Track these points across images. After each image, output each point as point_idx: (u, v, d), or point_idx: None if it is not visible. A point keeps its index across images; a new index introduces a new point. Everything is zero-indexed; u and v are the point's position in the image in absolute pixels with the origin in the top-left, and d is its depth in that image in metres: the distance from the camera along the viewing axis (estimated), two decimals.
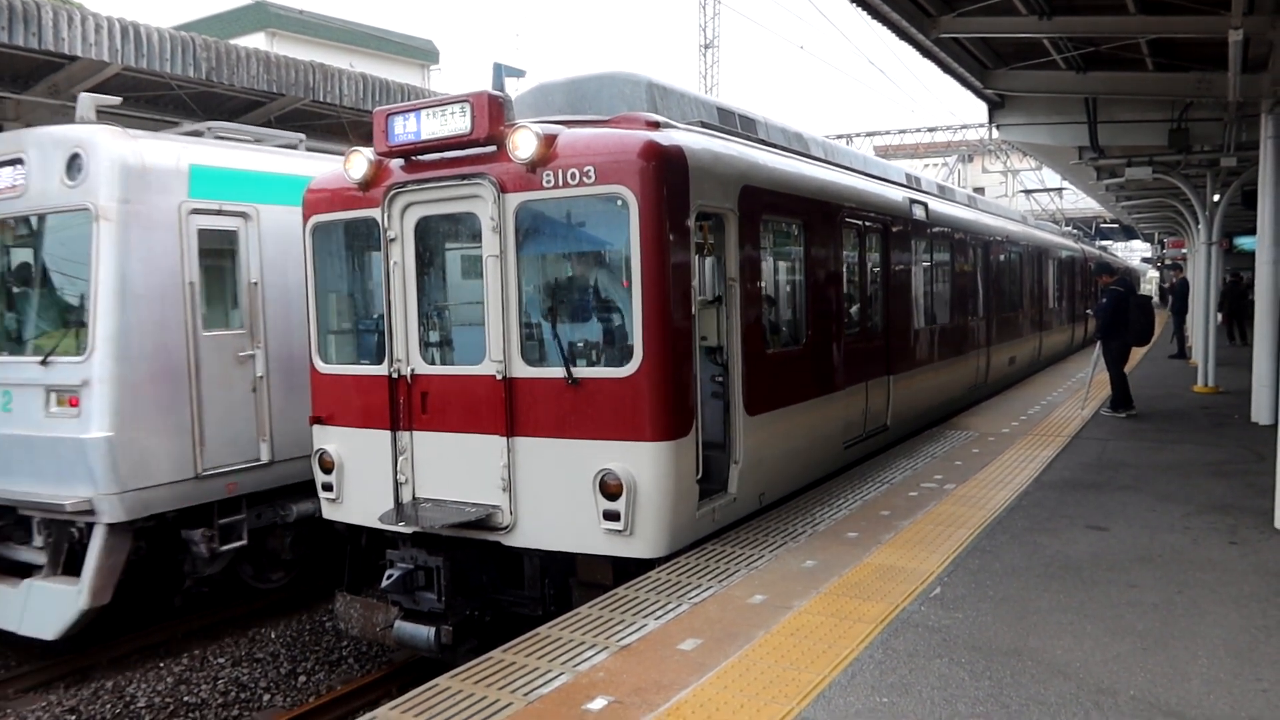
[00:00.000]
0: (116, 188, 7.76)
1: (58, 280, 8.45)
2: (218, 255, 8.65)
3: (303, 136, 10.30)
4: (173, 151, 8.31)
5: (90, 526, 7.81)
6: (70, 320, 8.20)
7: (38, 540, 8.18)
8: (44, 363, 7.90)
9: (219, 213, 8.47)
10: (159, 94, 13.17)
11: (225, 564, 8.85)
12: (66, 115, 12.87)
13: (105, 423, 7.62)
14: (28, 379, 8.00)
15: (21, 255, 8.64)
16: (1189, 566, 6.10)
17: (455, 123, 6.54)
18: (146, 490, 7.85)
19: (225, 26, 38.11)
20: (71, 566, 8.04)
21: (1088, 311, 24.46)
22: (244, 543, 8.70)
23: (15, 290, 8.65)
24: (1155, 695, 4.27)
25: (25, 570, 8.29)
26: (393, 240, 7.02)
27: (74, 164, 7.88)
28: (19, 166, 8.21)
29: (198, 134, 9.18)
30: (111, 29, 11.40)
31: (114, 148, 7.87)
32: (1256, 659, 4.64)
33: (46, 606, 7.92)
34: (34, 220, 8.36)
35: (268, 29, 40.04)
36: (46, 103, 12.42)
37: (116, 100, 8.97)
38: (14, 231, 8.57)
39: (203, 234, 8.35)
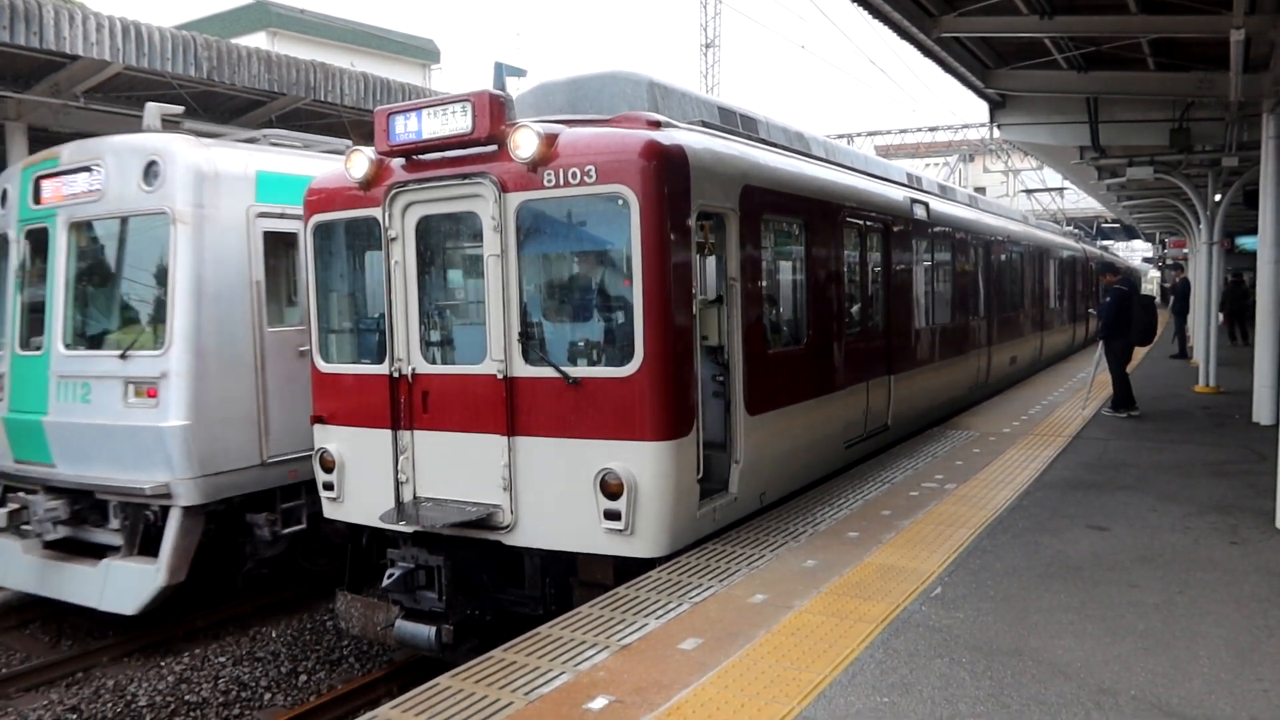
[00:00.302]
0: (191, 193, 8.22)
1: (133, 279, 8.86)
2: (279, 255, 9.07)
3: (349, 142, 10.50)
4: (241, 158, 8.73)
5: (165, 510, 8.24)
6: (147, 316, 8.68)
7: (114, 523, 8.57)
8: (123, 357, 8.32)
9: (282, 216, 8.83)
10: (160, 93, 13.18)
11: (284, 547, 9.13)
12: (68, 115, 12.93)
13: (182, 412, 8.07)
14: (106, 371, 8.40)
15: (97, 256, 9.08)
16: (1190, 566, 6.10)
17: (456, 122, 6.54)
18: (219, 475, 8.31)
19: (226, 26, 38.09)
20: (146, 547, 8.44)
21: (1090, 311, 24.46)
22: (304, 526, 9.01)
23: (91, 289, 9.06)
24: (1156, 695, 4.27)
25: (98, 551, 8.67)
26: (394, 239, 7.02)
27: (151, 170, 8.30)
28: (96, 172, 8.62)
29: (253, 140, 9.54)
30: (113, 28, 11.43)
31: (189, 155, 8.33)
32: (1258, 659, 4.64)
33: (126, 584, 8.31)
34: (110, 223, 8.74)
35: (268, 28, 40.02)
36: (48, 102, 12.44)
37: (179, 109, 9.62)
38: (88, 234, 8.95)
39: (267, 236, 8.74)
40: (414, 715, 4.31)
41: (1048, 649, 4.80)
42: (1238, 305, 23.46)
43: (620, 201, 6.18)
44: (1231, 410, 12.77)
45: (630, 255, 6.22)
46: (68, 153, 8.97)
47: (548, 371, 6.47)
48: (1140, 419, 12.27)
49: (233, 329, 8.41)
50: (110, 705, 7.66)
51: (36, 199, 9.04)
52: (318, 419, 7.62)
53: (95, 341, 8.85)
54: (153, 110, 9.12)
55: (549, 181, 6.35)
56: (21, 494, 8.96)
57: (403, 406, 7.05)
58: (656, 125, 6.52)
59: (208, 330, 8.24)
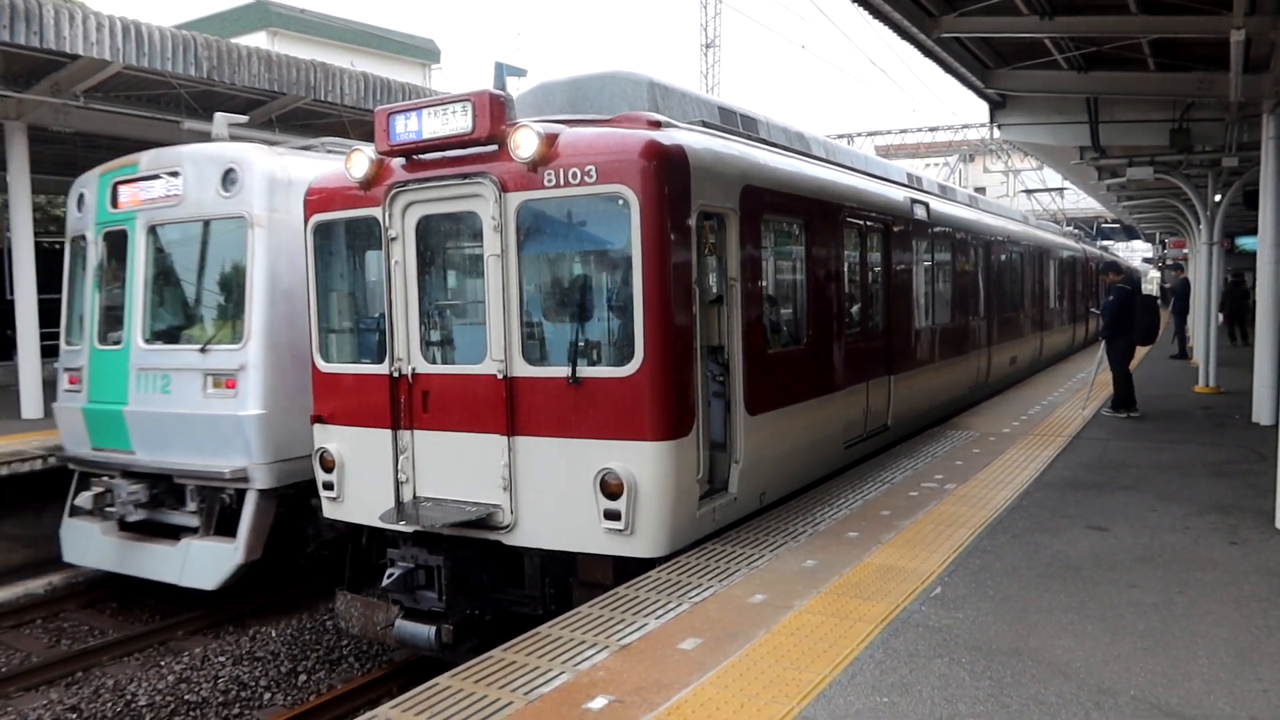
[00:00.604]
0: (267, 198, 8.78)
1: (211, 278, 9.44)
2: None
3: None
4: (311, 166, 9.16)
5: (241, 493, 8.81)
6: (224, 313, 9.26)
7: (190, 505, 9.10)
8: (202, 350, 8.92)
9: None
10: (160, 93, 13.19)
11: (344, 529, 9.33)
12: (68, 114, 12.91)
13: (259, 402, 8.64)
14: (186, 364, 9.00)
15: (175, 257, 9.66)
16: (1190, 566, 6.10)
17: (457, 122, 6.54)
18: (290, 461, 8.82)
19: (226, 25, 38.09)
20: (221, 528, 8.96)
21: (1092, 310, 24.45)
22: None
23: (168, 287, 9.66)
24: (1155, 695, 4.27)
25: (172, 532, 9.21)
26: (394, 239, 7.02)
27: (229, 177, 8.89)
28: (175, 179, 9.19)
29: (309, 148, 10.00)
30: (113, 28, 11.41)
31: (265, 164, 8.93)
32: (1257, 659, 4.64)
33: (205, 562, 8.86)
34: (189, 226, 9.30)
35: (269, 28, 40.03)
36: (48, 101, 12.44)
37: (244, 118, 10.54)
38: (167, 236, 9.50)
39: None
40: (414, 715, 4.31)
41: (1047, 649, 4.80)
42: (1238, 306, 23.44)
43: (620, 201, 6.19)
44: (1231, 410, 12.77)
45: (630, 255, 6.21)
46: (146, 160, 9.52)
47: (548, 371, 6.47)
48: (1140, 419, 12.26)
49: (304, 325, 8.78)
50: (110, 705, 7.66)
51: (114, 203, 9.61)
52: (317, 419, 7.61)
53: (172, 336, 9.43)
54: (221, 120, 9.87)
55: (549, 181, 6.35)
56: (104, 479, 9.40)
57: (403, 406, 7.05)
58: (657, 125, 6.51)
59: (281, 326, 8.76)
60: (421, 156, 6.91)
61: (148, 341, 9.29)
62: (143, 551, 9.24)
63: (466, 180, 6.66)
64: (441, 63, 47.91)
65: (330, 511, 7.68)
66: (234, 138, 9.86)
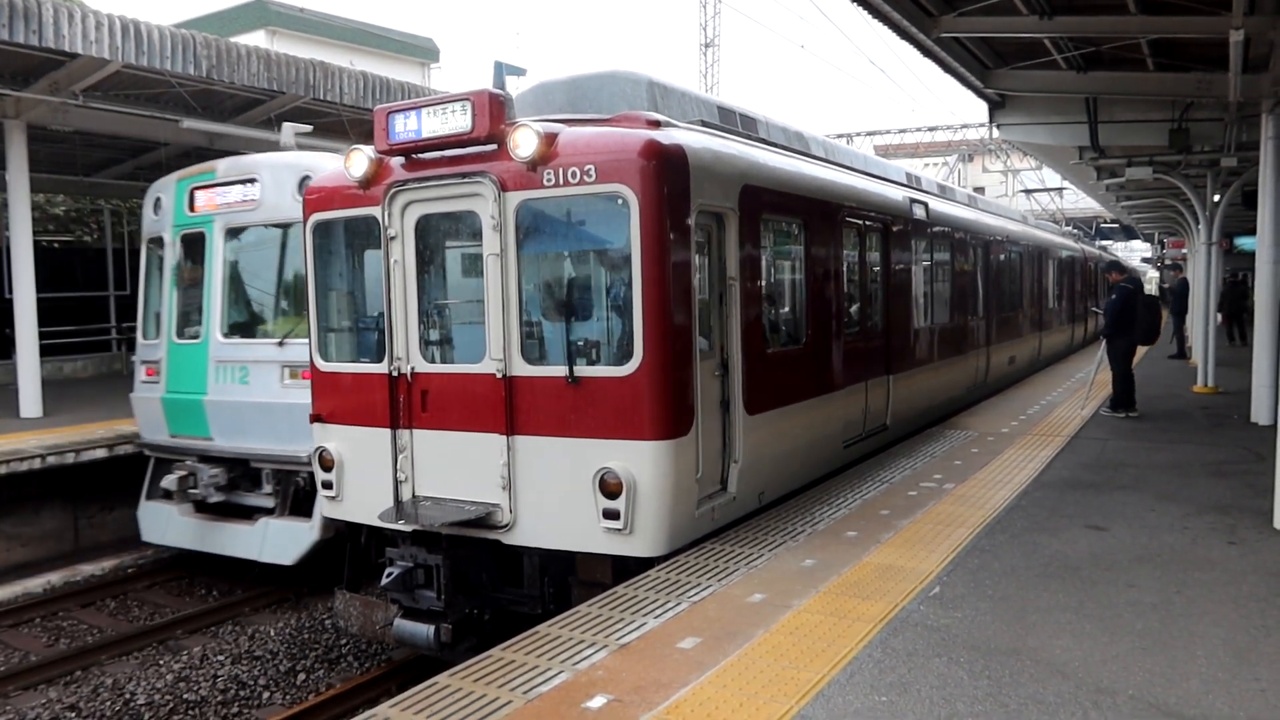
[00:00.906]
0: None
1: (288, 277, 9.95)
2: None
3: None
4: None
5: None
6: (299, 309, 9.57)
7: (266, 488, 9.72)
8: (280, 344, 9.50)
9: None
10: (159, 92, 13.19)
11: None
12: (67, 113, 12.91)
13: None
14: (264, 357, 9.59)
15: (251, 257, 10.19)
16: (1188, 566, 6.11)
17: (456, 121, 6.54)
18: None
19: (225, 24, 38.06)
20: (295, 509, 9.55)
21: (1094, 309, 24.47)
22: None
23: (245, 286, 10.28)
24: (1154, 695, 4.27)
25: (243, 513, 9.83)
26: (393, 238, 7.02)
27: (304, 184, 9.11)
28: (251, 185, 9.78)
29: None
30: (112, 26, 11.41)
31: None
32: (1255, 659, 4.64)
33: (283, 539, 9.44)
34: (265, 229, 9.89)
35: (268, 27, 40.01)
36: (47, 99, 12.44)
37: (308, 128, 11.53)
38: (244, 238, 10.10)
39: None
40: (413, 714, 4.31)
41: (1046, 648, 4.81)
42: (1236, 306, 23.45)
43: (620, 201, 6.19)
44: (1230, 410, 12.78)
45: (630, 255, 6.21)
46: (223, 167, 10.14)
47: (547, 370, 6.47)
48: (1139, 419, 12.27)
49: None
50: (109, 703, 7.66)
51: (191, 207, 10.23)
52: (317, 418, 7.61)
53: (249, 331, 10.05)
54: (289, 130, 10.84)
55: (548, 181, 6.35)
56: (185, 463, 9.99)
57: (402, 405, 7.04)
58: (656, 125, 6.52)
59: None
60: (421, 156, 6.91)
61: (225, 335, 9.86)
62: (222, 531, 9.81)
63: (466, 179, 6.66)
64: (441, 62, 47.98)
65: (329, 511, 7.68)
66: (300, 146, 10.56)
